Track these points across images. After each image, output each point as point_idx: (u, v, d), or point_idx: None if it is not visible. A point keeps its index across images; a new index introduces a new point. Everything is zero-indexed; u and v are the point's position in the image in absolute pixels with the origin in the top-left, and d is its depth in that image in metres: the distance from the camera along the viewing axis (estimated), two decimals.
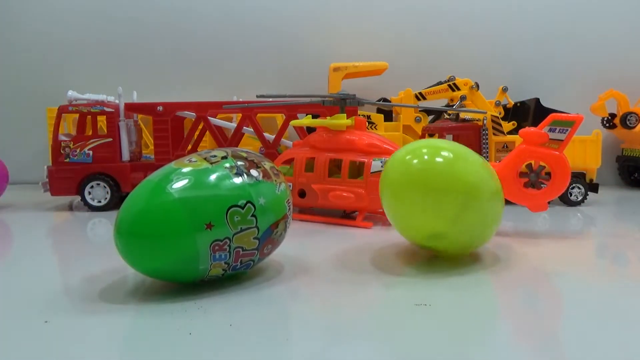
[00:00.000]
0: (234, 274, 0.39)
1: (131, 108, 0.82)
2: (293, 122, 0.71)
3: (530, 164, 0.55)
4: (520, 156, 0.53)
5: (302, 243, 0.54)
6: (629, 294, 0.37)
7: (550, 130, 0.52)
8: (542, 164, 0.54)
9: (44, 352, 0.28)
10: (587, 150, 0.81)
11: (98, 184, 0.77)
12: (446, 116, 0.87)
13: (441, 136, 0.79)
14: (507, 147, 0.81)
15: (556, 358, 0.27)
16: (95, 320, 0.33)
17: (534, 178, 0.54)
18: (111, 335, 0.31)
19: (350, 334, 0.30)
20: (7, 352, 0.28)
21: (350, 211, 0.68)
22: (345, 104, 0.66)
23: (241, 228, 0.36)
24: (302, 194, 0.64)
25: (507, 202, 0.80)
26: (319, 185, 0.63)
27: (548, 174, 0.53)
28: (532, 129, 0.53)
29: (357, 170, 0.62)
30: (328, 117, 0.67)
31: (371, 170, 0.60)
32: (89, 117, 0.80)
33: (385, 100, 1.03)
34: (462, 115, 0.83)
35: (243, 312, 0.34)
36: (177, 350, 0.28)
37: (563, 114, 0.53)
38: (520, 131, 0.54)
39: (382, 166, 0.59)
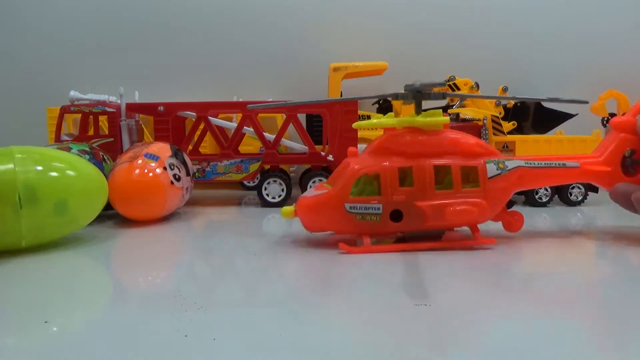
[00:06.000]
0: None
1: (132, 108, 0.82)
2: (357, 124, 0.55)
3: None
4: (622, 145, 0.55)
5: (305, 247, 0.54)
6: (630, 294, 0.37)
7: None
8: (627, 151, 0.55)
9: (44, 351, 0.28)
10: (587, 150, 0.81)
11: None
12: None
13: None
14: (507, 147, 0.81)
15: (556, 358, 0.27)
16: (96, 320, 0.33)
17: (629, 162, 0.55)
18: (111, 335, 0.31)
19: (350, 334, 0.30)
20: (7, 352, 0.28)
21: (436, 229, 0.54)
22: (421, 97, 0.52)
23: None
24: (397, 216, 0.50)
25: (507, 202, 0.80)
26: (427, 201, 0.49)
27: (637, 161, 0.55)
28: (626, 118, 0.56)
29: (467, 177, 0.52)
30: (411, 114, 0.53)
31: (488, 175, 0.51)
32: (91, 117, 0.80)
33: (385, 100, 1.03)
34: (462, 115, 0.83)
35: (241, 314, 0.34)
36: (176, 351, 0.28)
37: None
38: (614, 121, 0.56)
39: (497, 169, 0.51)
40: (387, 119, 0.53)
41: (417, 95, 0.52)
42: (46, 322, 0.32)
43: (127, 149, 0.73)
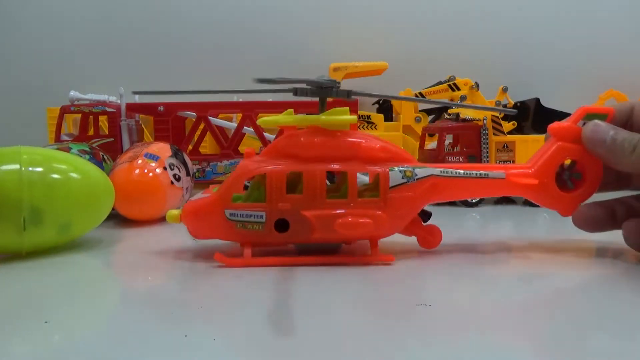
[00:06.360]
0: None
1: (132, 108, 0.82)
2: (262, 121, 0.48)
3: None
4: (559, 155, 0.47)
5: None
6: (629, 294, 0.37)
7: (584, 124, 0.46)
8: (568, 161, 0.48)
9: (43, 352, 0.28)
10: None
11: None
12: (446, 116, 0.87)
13: (441, 136, 0.80)
14: (507, 147, 0.81)
15: (555, 359, 0.27)
16: (95, 320, 0.33)
17: (567, 175, 0.48)
18: (110, 334, 0.31)
19: (350, 334, 0.31)
20: (6, 352, 0.28)
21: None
22: (326, 94, 0.47)
23: None
24: (282, 225, 0.44)
25: (507, 202, 0.81)
26: (315, 211, 0.44)
27: (576, 174, 0.48)
28: (565, 124, 0.47)
29: (367, 185, 0.48)
30: (327, 113, 0.46)
31: (390, 184, 0.45)
32: (91, 117, 0.80)
33: (385, 100, 1.03)
34: (462, 115, 0.83)
35: (241, 313, 0.34)
36: (176, 351, 0.28)
37: (594, 107, 0.48)
38: (552, 127, 0.48)
39: (403, 178, 0.45)
40: (285, 117, 0.46)
41: (320, 91, 0.46)
42: (46, 322, 0.32)
43: (127, 149, 0.73)
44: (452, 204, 0.80)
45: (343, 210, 0.44)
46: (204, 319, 0.33)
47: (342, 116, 0.44)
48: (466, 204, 0.77)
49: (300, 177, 0.44)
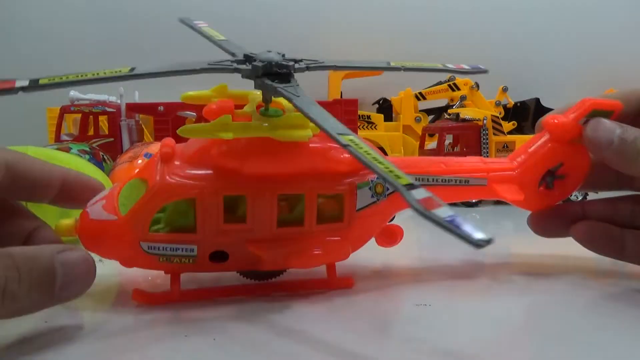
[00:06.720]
0: None
1: (132, 108, 0.82)
2: (182, 130, 0.36)
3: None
4: (549, 158, 0.41)
5: None
6: (629, 295, 0.37)
7: (586, 122, 0.39)
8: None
9: (42, 352, 0.28)
10: None
11: None
12: (446, 116, 0.87)
13: (441, 136, 0.80)
14: (507, 147, 0.81)
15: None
16: (95, 320, 0.33)
17: (549, 179, 0.42)
18: (111, 335, 0.31)
19: (350, 334, 0.31)
20: (6, 352, 0.28)
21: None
22: (264, 83, 0.34)
23: None
24: (220, 257, 0.34)
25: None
26: (264, 244, 0.34)
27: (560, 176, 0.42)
28: (563, 118, 0.40)
29: (328, 207, 0.36)
30: (245, 107, 0.36)
31: (358, 206, 0.36)
32: (91, 117, 0.80)
33: (385, 100, 1.03)
34: (462, 115, 0.83)
35: (242, 313, 0.34)
36: (176, 351, 0.28)
37: (601, 100, 0.39)
38: (548, 122, 0.41)
39: (373, 196, 0.36)
40: (215, 126, 0.34)
41: (264, 82, 0.34)
42: (46, 322, 0.32)
43: (127, 149, 0.73)
44: (452, 203, 0.79)
45: (299, 242, 0.35)
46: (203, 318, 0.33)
47: (299, 132, 0.34)
48: (466, 204, 0.77)
49: (240, 200, 0.34)
